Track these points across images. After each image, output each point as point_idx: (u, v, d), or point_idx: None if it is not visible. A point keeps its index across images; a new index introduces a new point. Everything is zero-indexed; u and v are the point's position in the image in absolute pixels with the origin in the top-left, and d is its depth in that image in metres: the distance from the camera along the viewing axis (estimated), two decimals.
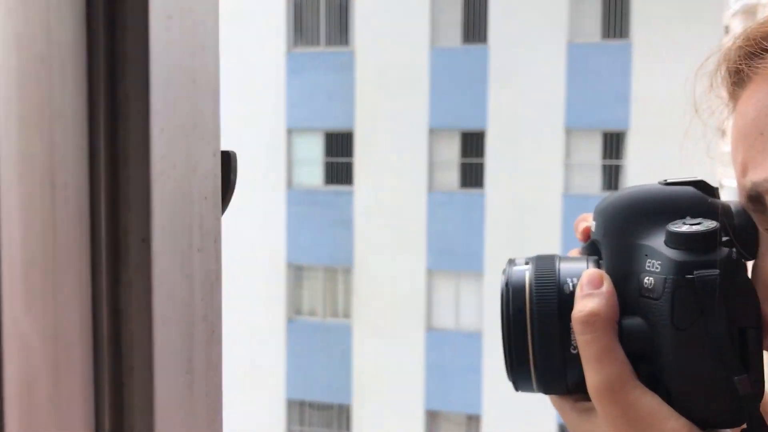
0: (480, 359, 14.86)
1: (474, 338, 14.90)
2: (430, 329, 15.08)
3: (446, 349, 15.03)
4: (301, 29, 15.42)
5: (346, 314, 15.57)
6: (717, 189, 0.59)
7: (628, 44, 14.03)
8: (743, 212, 0.56)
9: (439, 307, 15.14)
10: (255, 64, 15.35)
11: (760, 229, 0.55)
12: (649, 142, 13.87)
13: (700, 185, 0.59)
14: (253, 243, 15.54)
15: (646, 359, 0.55)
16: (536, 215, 14.41)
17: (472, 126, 14.70)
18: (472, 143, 14.83)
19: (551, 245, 14.42)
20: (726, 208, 0.57)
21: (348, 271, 15.43)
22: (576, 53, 14.16)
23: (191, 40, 0.38)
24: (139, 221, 0.34)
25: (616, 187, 14.39)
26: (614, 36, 14.26)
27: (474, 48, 14.67)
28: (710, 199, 0.57)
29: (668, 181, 0.60)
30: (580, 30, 14.27)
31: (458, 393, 15.00)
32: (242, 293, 15.68)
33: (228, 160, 0.44)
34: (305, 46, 15.42)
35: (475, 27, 14.71)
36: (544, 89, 14.21)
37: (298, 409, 15.83)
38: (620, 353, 0.55)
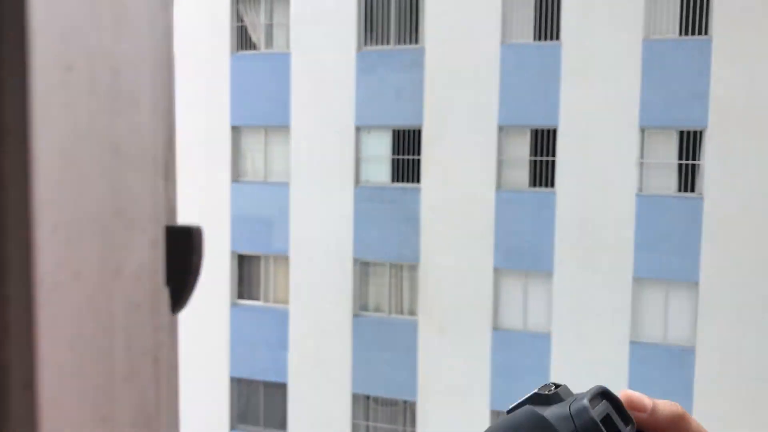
0: (548, 360, 14.59)
1: (542, 339, 14.63)
2: (496, 329, 14.89)
3: (513, 350, 14.81)
4: (371, 28, 15.41)
5: (412, 311, 15.51)
6: (558, 388, 0.56)
7: (708, 41, 13.48)
8: (582, 410, 0.54)
9: (507, 306, 14.92)
10: (326, 63, 15.43)
11: None
12: (727, 142, 13.32)
13: (536, 398, 0.57)
14: (320, 239, 15.64)
15: None
16: (608, 216, 14.04)
17: (543, 123, 14.41)
18: (543, 141, 14.54)
19: (623, 247, 14.03)
20: (562, 416, 0.54)
21: (414, 268, 15.37)
22: (652, 50, 13.70)
23: (111, 96, 0.27)
24: (20, 360, 0.24)
25: (692, 189, 13.89)
26: (693, 32, 13.73)
27: (546, 45, 14.37)
28: (546, 412, 0.55)
29: (510, 407, 0.58)
30: (657, 26, 13.80)
31: (525, 394, 14.77)
32: (310, 288, 15.82)
33: (189, 239, 0.35)
34: (375, 45, 15.41)
35: (547, 23, 14.41)
36: (619, 87, 13.81)
37: (364, 404, 15.87)
38: None
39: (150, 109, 0.29)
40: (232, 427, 16.72)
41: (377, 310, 15.80)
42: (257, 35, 16.26)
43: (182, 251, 0.34)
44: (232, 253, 16.37)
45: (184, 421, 17.00)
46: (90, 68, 0.27)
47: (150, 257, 0.29)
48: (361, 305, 15.82)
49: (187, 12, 16.36)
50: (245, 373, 16.52)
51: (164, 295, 0.31)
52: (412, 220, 15.19)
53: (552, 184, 14.50)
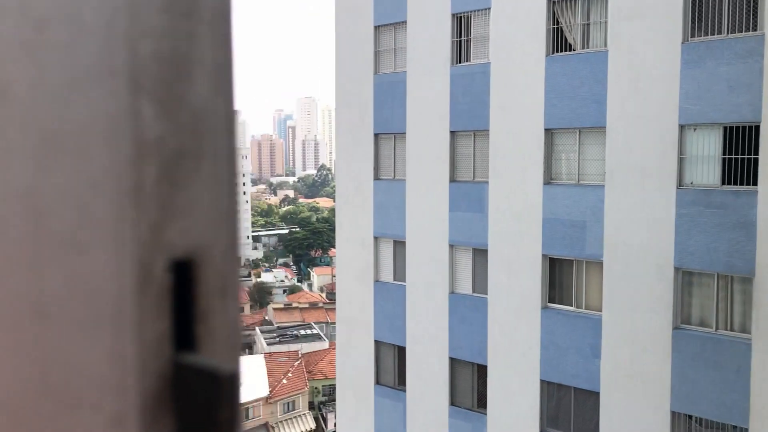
0: None
1: None
2: None
3: None
4: (699, 18, 14.13)
5: (744, 329, 13.98)
6: None
7: None
8: None
9: None
10: (646, 59, 14.53)
11: None
12: None
13: None
14: (637, 244, 14.81)
15: None
16: None
17: None
18: None
19: None
20: None
21: (747, 281, 13.83)
22: None
23: (35, 242, 0.19)
24: None
25: None
26: None
27: None
28: None
29: None
30: None
31: None
32: (625, 296, 15.09)
33: (215, 386, 0.26)
34: (704, 36, 14.10)
35: None
36: None
37: (685, 423, 14.74)
38: None
39: (109, 248, 0.20)
40: (542, 429, 16.61)
41: (702, 324, 14.52)
42: (573, 36, 15.84)
43: (204, 402, 0.26)
44: (543, 256, 16.19)
45: (497, 416, 17.29)
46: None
47: None
48: (682, 318, 14.67)
49: (506, 18, 16.49)
50: (555, 378, 16.29)
51: None
52: (746, 227, 13.67)
53: None
